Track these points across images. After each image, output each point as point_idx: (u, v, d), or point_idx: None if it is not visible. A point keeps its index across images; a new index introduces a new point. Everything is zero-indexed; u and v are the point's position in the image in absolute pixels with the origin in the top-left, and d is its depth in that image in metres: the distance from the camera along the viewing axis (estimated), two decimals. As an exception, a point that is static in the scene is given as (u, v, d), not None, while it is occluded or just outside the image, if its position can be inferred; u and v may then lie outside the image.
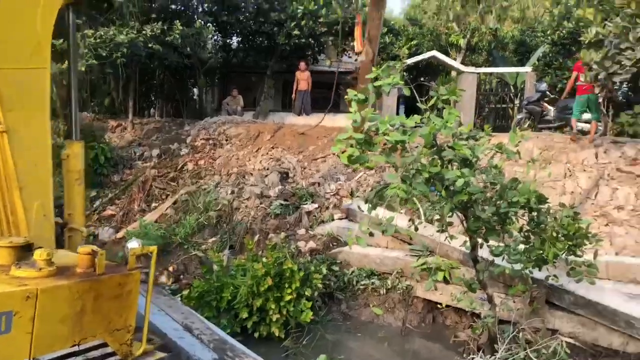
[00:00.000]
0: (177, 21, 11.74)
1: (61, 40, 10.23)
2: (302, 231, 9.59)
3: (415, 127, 4.64)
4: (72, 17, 3.68)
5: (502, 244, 4.95)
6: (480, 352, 5.95)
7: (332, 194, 10.56)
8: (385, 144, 4.64)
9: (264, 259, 7.03)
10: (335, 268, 8.34)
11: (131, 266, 3.30)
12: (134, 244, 3.42)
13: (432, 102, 4.78)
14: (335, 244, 8.93)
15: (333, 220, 9.65)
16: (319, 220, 9.84)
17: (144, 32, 11.10)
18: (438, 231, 5.07)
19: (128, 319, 3.32)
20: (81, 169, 3.68)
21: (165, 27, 11.49)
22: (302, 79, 17.15)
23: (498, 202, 4.63)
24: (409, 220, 5.16)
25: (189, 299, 6.93)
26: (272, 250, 7.21)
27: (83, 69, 10.37)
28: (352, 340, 7.15)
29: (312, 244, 8.98)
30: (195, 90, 22.48)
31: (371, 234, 4.67)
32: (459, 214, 5.14)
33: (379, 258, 8.13)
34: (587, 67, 8.78)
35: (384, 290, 7.87)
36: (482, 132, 4.76)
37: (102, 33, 10.46)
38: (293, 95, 17.47)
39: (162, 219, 11.28)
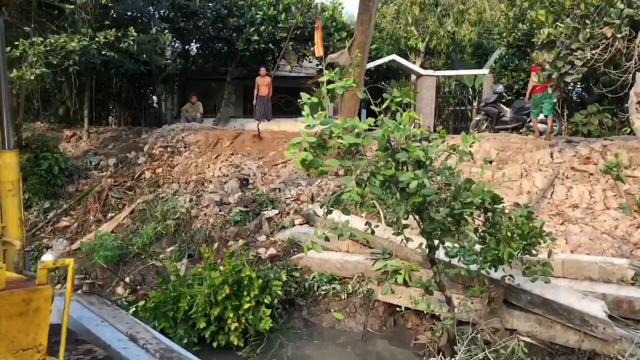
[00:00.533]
0: (132, 28, 11.46)
1: (9, 48, 9.93)
2: (262, 238, 9.47)
3: (369, 130, 4.61)
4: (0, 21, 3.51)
5: (457, 245, 4.94)
6: (440, 354, 5.95)
7: (292, 199, 10.47)
8: (339, 148, 4.58)
9: (221, 267, 6.89)
10: (296, 274, 8.24)
11: (41, 281, 3.11)
12: (47, 257, 3.26)
13: (385, 104, 4.75)
14: (295, 249, 8.84)
15: (294, 225, 9.56)
16: (280, 226, 9.74)
17: (97, 39, 10.80)
18: (394, 234, 5.04)
19: (37, 338, 3.13)
20: (14, 180, 3.50)
21: (120, 34, 11.20)
22: (263, 85, 17.02)
23: (452, 203, 4.63)
24: (366, 224, 5.10)
25: (144, 310, 6.74)
26: (230, 258, 7.07)
27: (32, 77, 10.01)
28: (313, 347, 7.07)
29: (272, 251, 8.87)
30: (155, 98, 22.13)
31: (327, 239, 4.61)
32: (416, 216, 5.12)
33: (339, 263, 8.08)
34: (540, 67, 8.96)
35: (345, 295, 7.82)
36: (435, 134, 4.75)
37: (52, 41, 10.12)
38: (254, 101, 17.33)
39: (118, 229, 11.00)
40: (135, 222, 11.05)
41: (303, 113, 4.33)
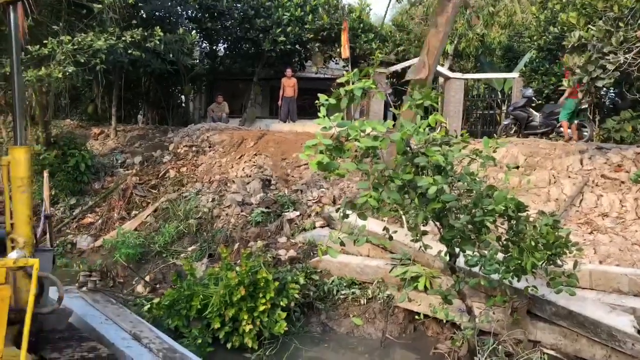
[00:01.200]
0: (158, 27, 11.51)
1: (38, 46, 10.06)
2: (283, 239, 9.40)
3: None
4: (14, 17, 3.50)
5: (477, 254, 4.78)
6: (460, 364, 5.79)
7: (314, 201, 10.38)
8: (356, 151, 4.47)
9: (238, 268, 6.82)
10: (316, 277, 8.13)
11: None
12: (12, 255, 3.21)
13: (405, 107, 4.62)
14: (315, 252, 8.71)
15: (314, 228, 9.47)
16: (301, 228, 9.65)
17: (123, 38, 10.87)
18: (412, 240, 4.90)
19: None
20: (25, 177, 3.47)
21: (146, 34, 11.26)
22: (289, 86, 17.04)
23: (473, 211, 4.46)
24: (384, 229, 4.97)
25: (159, 308, 6.71)
26: (248, 258, 7.00)
27: (60, 75, 10.13)
28: (330, 352, 6.95)
29: (292, 253, 8.78)
30: (183, 98, 22.33)
31: (342, 244, 4.50)
32: (436, 223, 4.97)
33: (359, 267, 7.94)
34: (570, 71, 8.69)
35: (365, 300, 7.68)
36: (457, 138, 4.59)
37: (80, 39, 10.23)
38: (279, 102, 17.32)
39: (141, 227, 11.06)
40: (158, 220, 11.09)
41: (319, 114, 4.23)
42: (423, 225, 4.81)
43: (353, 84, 4.49)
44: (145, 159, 13.87)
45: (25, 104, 11.87)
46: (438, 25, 9.38)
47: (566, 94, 11.40)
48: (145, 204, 11.96)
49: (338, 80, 4.56)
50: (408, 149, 4.44)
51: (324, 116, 4.17)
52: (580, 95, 9.40)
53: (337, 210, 4.76)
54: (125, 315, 5.42)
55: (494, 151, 4.89)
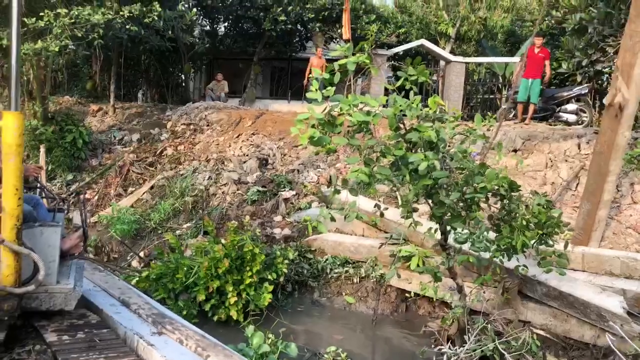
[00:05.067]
0: (156, 3, 11.40)
1: (34, 19, 9.98)
2: (278, 218, 9.41)
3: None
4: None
5: (467, 231, 4.78)
6: (449, 342, 5.82)
7: (311, 182, 10.37)
8: (349, 126, 4.45)
9: (224, 241, 6.85)
10: (310, 255, 8.18)
11: None
12: None
13: (399, 83, 4.59)
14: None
15: (310, 207, 9.47)
16: (296, 207, 9.66)
17: (121, 13, 10.78)
18: (402, 216, 4.90)
19: None
20: (14, 144, 3.40)
21: (145, 9, 11.16)
22: (318, 66, 16.31)
23: (464, 188, 4.46)
24: (375, 206, 4.96)
25: (145, 280, 6.74)
26: (235, 233, 7.00)
27: (57, 49, 10.06)
28: (322, 327, 7.00)
29: (287, 231, 8.81)
30: (182, 76, 22.23)
31: (333, 219, 4.51)
32: (428, 200, 4.97)
33: (353, 246, 7.97)
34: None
35: (358, 279, 7.72)
36: (449, 115, 4.58)
37: (77, 12, 10.14)
38: (305, 81, 16.55)
39: (138, 203, 11.07)
40: (154, 197, 11.11)
41: (311, 88, 4.20)
42: (415, 203, 4.81)
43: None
44: (143, 137, 13.85)
45: (22, 76, 11.82)
46: (631, 35, 6.62)
47: (517, 72, 11.76)
48: (142, 181, 11.97)
49: (331, 54, 4.52)
50: (400, 124, 4.41)
51: (316, 90, 4.14)
52: (578, 78, 9.35)
53: (327, 187, 4.74)
54: (113, 282, 5.43)
55: (488, 129, 4.88)
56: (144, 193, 11.34)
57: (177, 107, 16.07)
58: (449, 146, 4.86)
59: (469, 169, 4.50)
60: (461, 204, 4.57)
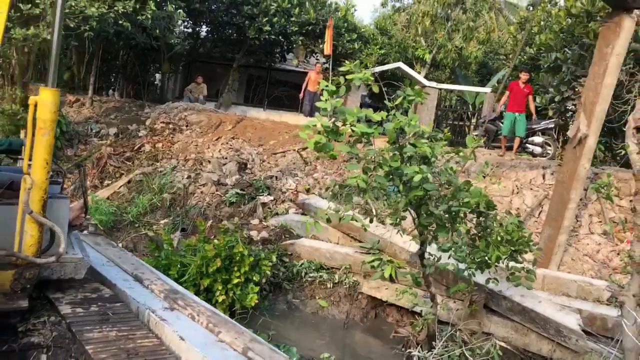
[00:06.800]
0: (151, 1, 11.60)
1: (29, 5, 10.05)
2: (255, 221, 9.68)
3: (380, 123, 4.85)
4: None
5: (451, 241, 5.20)
6: (419, 347, 6.20)
7: (290, 189, 10.68)
8: (350, 136, 4.81)
9: (216, 241, 7.10)
10: (286, 259, 8.47)
11: None
12: None
13: (398, 101, 4.99)
14: (287, 236, 9.05)
15: (287, 213, 9.78)
16: (274, 212, 9.95)
17: (115, 8, 10.94)
18: (391, 224, 5.28)
19: None
20: (47, 119, 3.59)
21: (138, 6, 11.34)
22: (315, 80, 16.31)
23: (450, 202, 4.87)
24: (359, 212, 5.34)
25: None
26: (224, 234, 7.27)
27: (49, 37, 10.13)
28: (295, 328, 7.29)
29: (264, 234, 9.08)
30: (157, 76, 22.24)
31: (329, 221, 4.84)
32: (412, 212, 5.36)
33: (329, 252, 8.30)
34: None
35: (331, 284, 8.05)
36: (441, 134, 5.02)
37: (73, 3, 10.26)
38: (301, 94, 16.72)
39: (114, 197, 11.15)
40: (131, 192, 11.21)
41: (322, 98, 4.56)
42: (403, 211, 5.20)
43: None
44: (121, 131, 13.90)
45: (6, 60, 11.80)
46: (595, 78, 7.47)
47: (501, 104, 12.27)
48: (118, 175, 12.04)
49: (341, 69, 4.89)
50: (397, 138, 4.81)
51: (326, 100, 4.50)
52: (550, 113, 9.99)
53: (327, 190, 5.08)
54: (126, 258, 5.58)
55: (472, 151, 5.33)
56: (120, 186, 11.42)
57: (154, 105, 16.15)
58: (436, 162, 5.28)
59: (455, 185, 4.92)
60: (446, 216, 4.98)
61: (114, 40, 15.34)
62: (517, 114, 11.75)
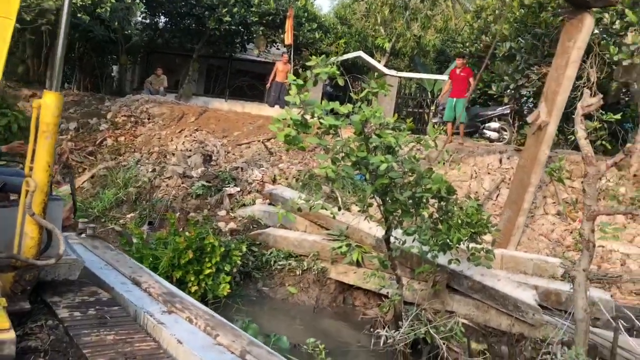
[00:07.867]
0: (112, -5, 11.51)
1: None
2: (222, 212, 9.80)
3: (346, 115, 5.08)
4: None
5: (415, 225, 5.48)
6: (386, 327, 6.49)
7: (256, 179, 10.82)
8: (319, 128, 5.02)
9: (187, 233, 7.23)
10: (255, 249, 8.63)
11: None
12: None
13: (363, 93, 5.21)
14: (255, 226, 9.21)
15: (254, 204, 9.93)
16: (240, 203, 10.08)
17: (73, 1, 10.80)
18: (359, 211, 5.52)
19: None
20: (50, 122, 3.66)
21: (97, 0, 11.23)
22: (283, 71, 16.03)
23: (414, 188, 5.14)
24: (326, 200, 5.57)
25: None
26: (194, 226, 7.40)
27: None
28: (266, 315, 7.50)
29: (232, 225, 9.22)
30: (115, 68, 21.90)
31: (299, 210, 5.04)
32: (377, 199, 5.62)
33: (297, 241, 8.52)
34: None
35: (300, 271, 8.27)
36: (404, 125, 5.27)
37: (29, -4, 10.12)
38: (267, 85, 16.69)
39: (78, 192, 11.06)
40: (95, 187, 11.15)
41: (290, 92, 4.75)
42: (370, 199, 5.45)
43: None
44: (81, 126, 13.73)
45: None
46: (557, 69, 8.04)
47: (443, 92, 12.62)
48: (81, 170, 11.94)
49: (308, 63, 5.07)
50: (363, 129, 5.04)
51: (295, 94, 4.69)
52: (505, 100, 10.40)
53: (296, 181, 5.27)
54: (124, 261, 5.59)
55: (433, 140, 5.63)
56: (84, 182, 11.35)
57: (115, 98, 15.97)
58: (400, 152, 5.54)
59: (418, 172, 5.20)
60: (410, 202, 5.25)
61: (70, 32, 15.06)
62: (455, 99, 12.09)
